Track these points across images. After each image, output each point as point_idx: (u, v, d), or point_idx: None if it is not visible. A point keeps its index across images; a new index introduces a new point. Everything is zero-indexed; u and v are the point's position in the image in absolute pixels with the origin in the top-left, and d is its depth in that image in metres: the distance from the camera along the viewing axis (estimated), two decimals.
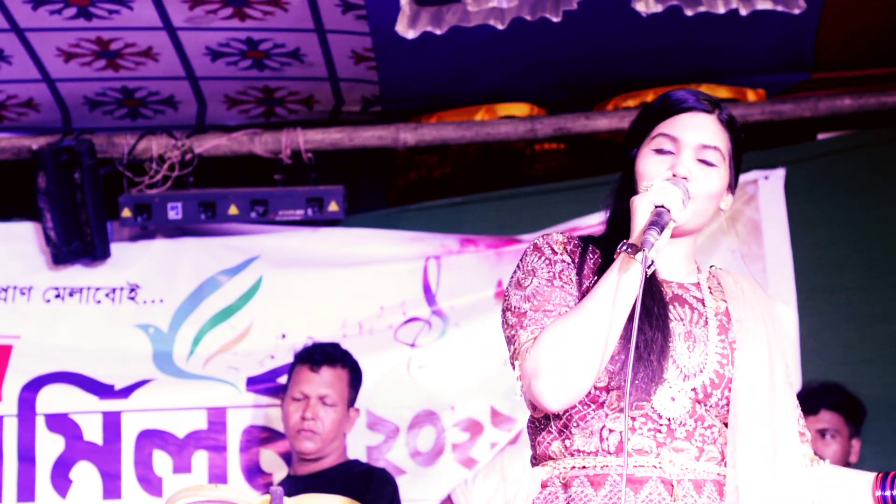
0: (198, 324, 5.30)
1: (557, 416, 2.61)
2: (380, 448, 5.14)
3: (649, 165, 2.64)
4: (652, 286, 2.60)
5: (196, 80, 5.17)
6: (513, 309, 2.62)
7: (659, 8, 4.58)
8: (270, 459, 5.16)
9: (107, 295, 5.33)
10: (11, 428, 5.13)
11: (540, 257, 2.66)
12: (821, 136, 5.39)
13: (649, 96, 5.36)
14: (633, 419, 2.57)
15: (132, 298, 5.33)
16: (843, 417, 4.86)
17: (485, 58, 5.00)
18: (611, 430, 2.57)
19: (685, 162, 2.62)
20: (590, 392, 2.56)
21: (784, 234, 5.18)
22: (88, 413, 5.16)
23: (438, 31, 4.60)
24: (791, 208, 5.21)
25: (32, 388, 5.16)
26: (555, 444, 2.62)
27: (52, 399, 5.16)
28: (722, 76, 5.33)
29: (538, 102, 5.41)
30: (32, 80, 5.11)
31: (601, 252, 2.65)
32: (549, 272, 2.63)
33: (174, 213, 5.27)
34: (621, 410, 2.55)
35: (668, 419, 2.57)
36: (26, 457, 5.12)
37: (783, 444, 2.63)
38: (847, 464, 4.83)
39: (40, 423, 5.15)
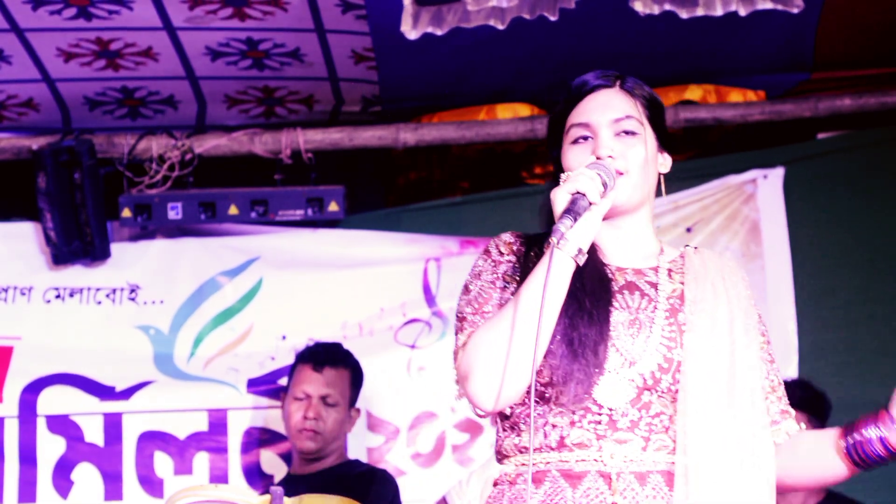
0: (198, 325, 5.30)
1: (506, 415, 2.58)
2: (380, 449, 5.14)
3: (572, 158, 2.60)
4: (593, 275, 2.56)
5: (196, 80, 5.17)
6: (457, 314, 2.61)
7: (655, 10, 4.58)
8: (271, 461, 5.16)
9: (107, 296, 5.33)
10: (13, 429, 5.14)
11: (486, 260, 2.63)
12: (821, 136, 5.39)
13: None
14: (574, 412, 2.51)
15: (132, 299, 5.33)
16: (807, 415, 4.85)
17: (485, 58, 5.00)
18: (553, 426, 2.53)
19: (605, 142, 2.58)
20: (535, 389, 2.51)
21: (783, 234, 5.18)
22: (89, 415, 5.16)
23: (439, 32, 4.60)
24: (790, 208, 5.21)
25: (33, 389, 5.17)
26: (507, 442, 2.59)
27: (53, 401, 5.16)
28: (721, 76, 5.33)
29: (538, 102, 5.41)
30: (32, 80, 5.11)
31: (539, 249, 2.60)
32: (493, 274, 2.61)
33: (174, 213, 5.27)
34: (564, 405, 2.51)
35: (610, 410, 2.51)
36: (27, 458, 5.12)
37: (746, 428, 2.53)
38: None
39: (41, 424, 5.15)
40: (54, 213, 5.21)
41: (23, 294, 5.31)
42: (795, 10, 4.62)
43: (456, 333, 2.59)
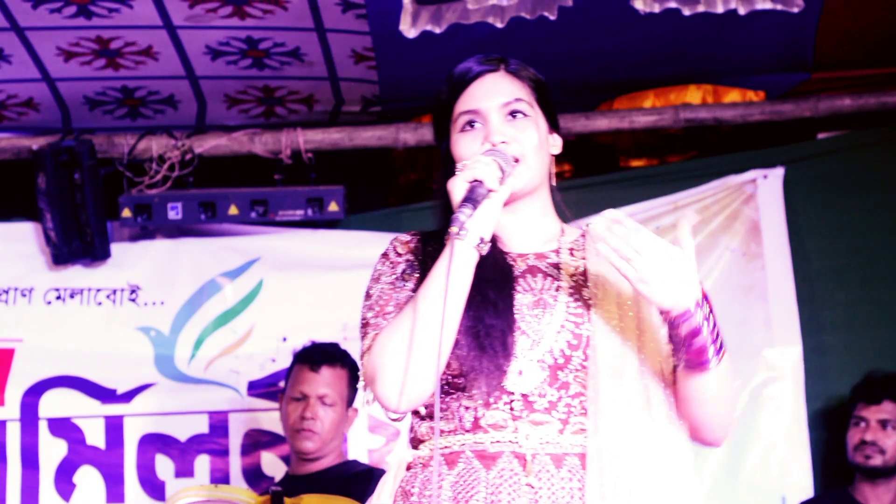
0: (199, 327, 5.31)
1: (427, 404, 2.53)
2: (381, 451, 5.14)
3: (463, 146, 2.54)
4: (493, 265, 2.50)
5: (196, 80, 5.17)
6: (360, 321, 2.55)
7: (656, 8, 4.58)
8: (272, 463, 5.17)
9: (108, 296, 5.33)
10: (14, 432, 5.14)
11: (384, 262, 2.59)
12: (821, 136, 5.39)
13: (650, 97, 5.36)
14: (488, 394, 2.46)
15: (133, 300, 5.33)
16: None
17: None
18: (466, 408, 2.48)
19: (497, 127, 2.53)
20: (447, 378, 2.47)
21: (783, 234, 5.17)
22: (91, 417, 5.17)
23: (438, 30, 4.60)
24: (790, 208, 5.21)
25: (35, 392, 5.17)
26: (423, 427, 2.55)
27: (54, 403, 5.17)
28: (722, 76, 5.33)
29: None
30: (32, 80, 5.11)
31: (438, 243, 2.51)
32: (391, 275, 2.56)
33: (174, 213, 5.26)
34: (462, 387, 2.47)
35: (523, 394, 2.46)
36: (29, 461, 5.13)
37: (660, 405, 2.47)
38: None
39: (43, 427, 5.16)
40: (54, 213, 5.20)
41: (23, 295, 5.31)
42: (795, 10, 4.62)
43: (361, 340, 2.52)
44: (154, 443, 5.16)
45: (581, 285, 2.54)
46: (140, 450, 5.15)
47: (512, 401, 2.46)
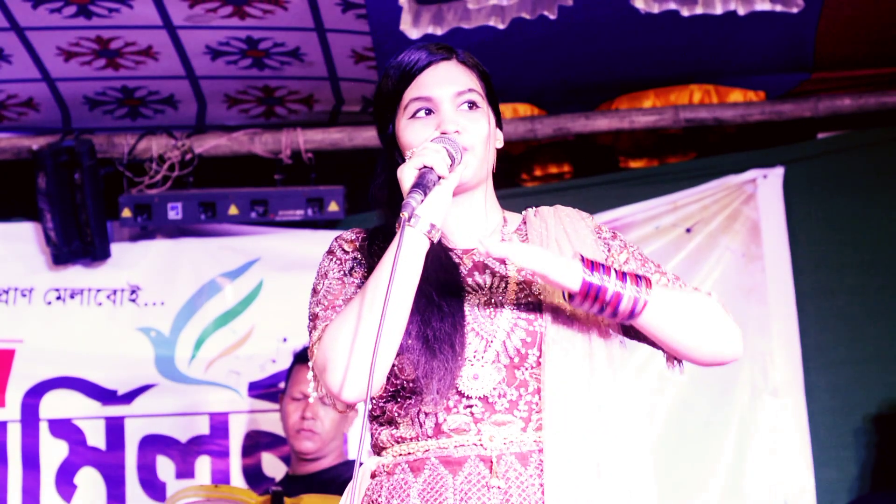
0: (199, 327, 5.31)
1: (379, 413, 2.51)
2: None
3: (412, 133, 2.50)
4: (437, 265, 2.46)
5: (196, 80, 5.17)
6: (309, 317, 2.51)
7: (655, 9, 4.58)
8: (273, 464, 5.17)
9: (108, 297, 5.33)
10: (15, 433, 5.14)
11: (331, 260, 2.55)
12: (821, 136, 5.39)
13: (650, 97, 5.36)
14: (448, 399, 2.43)
15: (133, 300, 5.33)
16: None
17: (484, 58, 4.99)
18: (426, 414, 2.45)
19: (449, 116, 2.49)
20: (400, 383, 2.45)
21: (783, 234, 5.17)
22: (92, 419, 5.17)
23: (439, 31, 4.60)
24: (790, 208, 5.20)
25: (35, 393, 5.17)
26: (384, 434, 2.52)
27: (55, 404, 5.16)
28: (722, 76, 5.33)
29: (538, 103, 5.41)
30: (32, 80, 5.11)
31: (384, 237, 2.49)
32: (339, 271, 2.52)
33: (174, 213, 5.26)
34: (420, 392, 2.44)
35: (480, 398, 2.43)
36: (30, 462, 5.13)
37: (609, 393, 2.45)
38: None
39: (44, 428, 5.16)
40: (54, 213, 5.20)
41: (24, 295, 5.31)
42: (795, 11, 4.61)
43: (310, 334, 2.49)
44: (155, 444, 5.16)
45: (530, 280, 2.50)
46: (141, 451, 5.15)
47: (472, 405, 2.44)
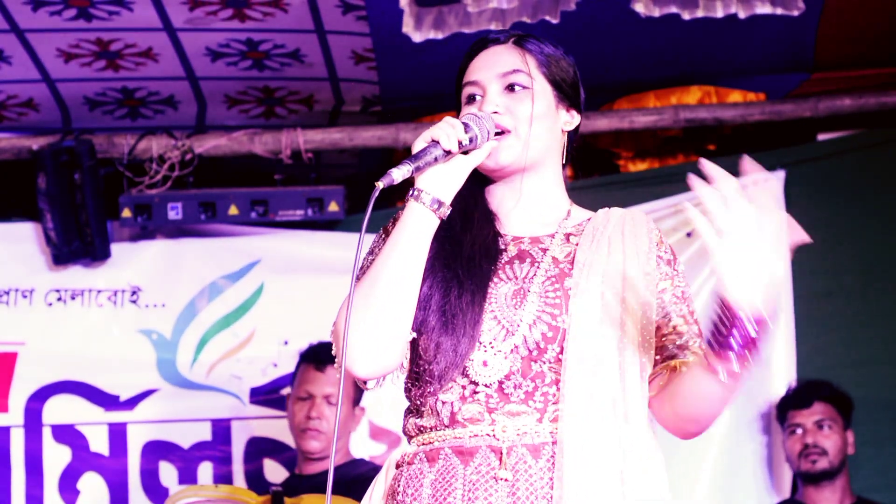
0: (200, 330, 5.31)
1: (409, 397, 2.50)
2: (382, 458, 5.13)
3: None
4: (483, 247, 2.45)
5: (196, 81, 5.17)
6: None
7: (656, 13, 4.58)
8: (275, 470, 5.17)
9: (108, 298, 5.32)
10: (18, 439, 5.15)
11: (379, 237, 2.54)
12: (821, 137, 5.39)
13: (650, 99, 5.36)
14: (464, 388, 2.41)
15: (134, 301, 5.32)
16: (835, 408, 4.88)
17: None
18: (443, 403, 2.43)
19: (491, 98, 2.48)
20: (422, 367, 2.44)
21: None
22: (94, 424, 5.18)
23: (440, 36, 4.60)
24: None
25: (38, 398, 5.18)
26: (410, 423, 2.50)
27: (58, 410, 5.17)
28: (722, 78, 5.33)
29: None
30: (32, 81, 5.10)
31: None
32: (380, 249, 2.47)
33: (174, 213, 5.26)
34: (439, 380, 2.42)
35: (494, 383, 2.40)
36: (34, 467, 5.14)
37: (635, 400, 2.39)
38: (845, 456, 4.84)
39: (47, 433, 5.17)
40: (54, 213, 5.20)
41: (24, 297, 5.30)
42: (796, 13, 4.61)
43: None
44: (157, 450, 5.17)
45: (565, 273, 2.45)
46: (143, 457, 5.16)
47: (486, 393, 2.41)
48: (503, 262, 2.48)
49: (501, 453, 2.39)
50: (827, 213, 5.19)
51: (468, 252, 2.45)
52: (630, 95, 5.36)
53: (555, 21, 4.55)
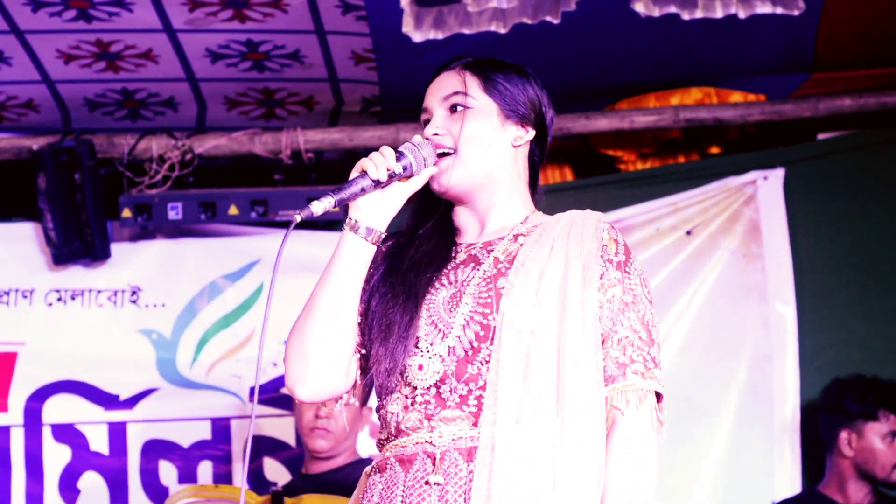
0: (200, 330, 5.31)
1: (376, 409, 2.58)
2: None
3: None
4: (425, 254, 2.55)
5: (196, 82, 5.17)
6: None
7: (656, 13, 4.58)
8: (275, 469, 5.17)
9: (108, 298, 5.32)
10: (18, 438, 5.14)
11: None
12: (821, 137, 5.39)
13: (650, 100, 5.35)
14: (406, 396, 2.47)
15: (134, 301, 5.32)
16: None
17: None
18: (391, 413, 2.51)
19: (434, 121, 2.57)
20: (377, 381, 2.50)
21: (783, 235, 5.17)
22: (94, 423, 5.17)
23: (441, 36, 4.60)
24: (790, 208, 5.20)
25: (38, 397, 5.17)
26: (378, 436, 2.59)
27: (57, 409, 5.16)
28: (722, 78, 5.33)
29: None
30: (32, 82, 5.10)
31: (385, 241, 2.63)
32: None
33: (174, 213, 5.25)
34: (391, 392, 2.50)
35: (430, 388, 2.44)
36: (34, 467, 5.13)
37: (575, 397, 2.38)
38: None
39: (47, 433, 5.16)
40: (54, 213, 5.20)
41: (24, 297, 5.30)
42: (796, 13, 4.61)
43: None
44: (157, 449, 5.17)
45: (501, 273, 2.49)
46: (143, 456, 5.15)
47: (425, 399, 2.46)
48: (448, 268, 2.55)
49: (435, 458, 2.44)
50: (827, 211, 5.20)
51: (406, 265, 2.53)
52: (630, 97, 5.35)
53: (555, 21, 4.55)
